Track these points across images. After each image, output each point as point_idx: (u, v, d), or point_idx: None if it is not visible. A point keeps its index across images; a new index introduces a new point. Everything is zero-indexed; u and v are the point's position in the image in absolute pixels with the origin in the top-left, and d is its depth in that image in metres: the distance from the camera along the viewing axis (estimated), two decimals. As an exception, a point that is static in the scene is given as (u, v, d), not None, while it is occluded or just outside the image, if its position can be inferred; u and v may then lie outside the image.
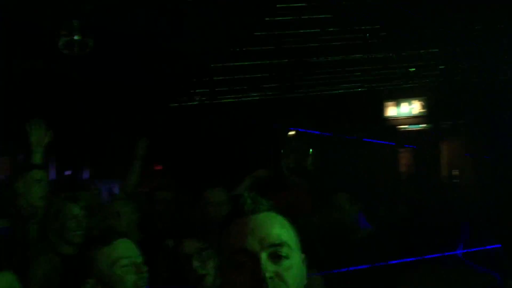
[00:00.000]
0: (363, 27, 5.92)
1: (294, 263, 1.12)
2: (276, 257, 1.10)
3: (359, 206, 3.09)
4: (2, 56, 6.05)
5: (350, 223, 3.07)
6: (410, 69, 7.33)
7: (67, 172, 8.21)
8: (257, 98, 8.37)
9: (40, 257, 2.66)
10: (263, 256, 1.08)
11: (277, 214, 1.18)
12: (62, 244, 2.73)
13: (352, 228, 3.08)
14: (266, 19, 5.55)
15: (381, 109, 9.47)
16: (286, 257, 1.11)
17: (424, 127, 9.45)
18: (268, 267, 1.07)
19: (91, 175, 9.11)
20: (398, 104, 9.46)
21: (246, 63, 6.78)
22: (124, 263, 1.75)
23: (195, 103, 8.44)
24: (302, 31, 5.85)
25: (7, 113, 7.26)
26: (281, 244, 1.11)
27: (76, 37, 4.61)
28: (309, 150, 6.52)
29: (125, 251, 1.80)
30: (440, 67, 7.67)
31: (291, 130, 8.96)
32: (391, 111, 9.53)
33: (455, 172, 9.14)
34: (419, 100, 9.33)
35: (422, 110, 9.33)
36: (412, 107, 9.37)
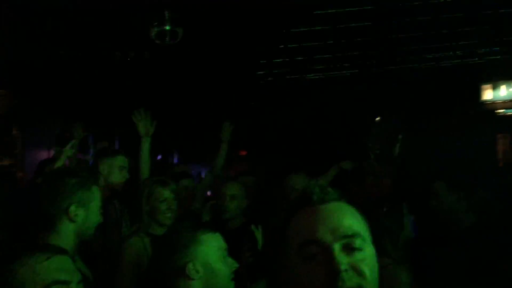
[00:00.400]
0: None
1: (368, 255, 1.05)
2: (349, 249, 1.03)
3: (460, 195, 2.89)
4: (100, 47, 6.46)
5: (450, 213, 2.90)
6: None
7: (158, 157, 8.61)
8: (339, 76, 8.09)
9: (132, 237, 2.81)
10: (336, 247, 1.02)
11: (347, 204, 1.12)
12: (153, 225, 2.87)
13: (453, 219, 2.91)
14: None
15: (477, 93, 8.88)
16: (360, 249, 1.04)
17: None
18: (342, 259, 1.01)
19: (179, 159, 9.51)
20: (496, 87, 8.81)
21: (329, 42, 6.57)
22: (225, 254, 1.77)
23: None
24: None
25: (108, 102, 7.76)
26: (354, 235, 1.05)
27: (167, 27, 4.80)
28: (397, 135, 6.26)
29: (224, 243, 1.80)
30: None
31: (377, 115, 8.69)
32: (488, 94, 8.91)
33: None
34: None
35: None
36: (512, 90, 8.69)
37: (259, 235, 2.90)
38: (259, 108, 8.61)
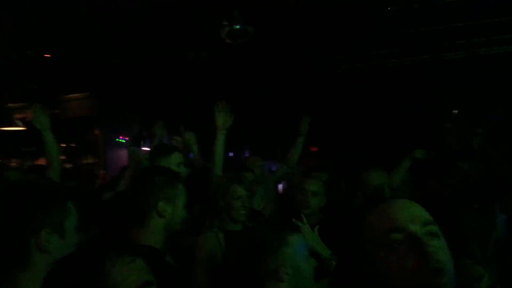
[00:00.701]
0: None
1: (444, 243, 1.11)
2: (429, 235, 1.10)
3: None
4: (174, 48, 6.69)
5: None
6: None
7: (230, 154, 8.74)
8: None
9: (207, 232, 2.89)
10: (421, 232, 1.09)
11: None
12: (227, 222, 2.94)
13: None
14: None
15: None
16: (438, 236, 1.11)
17: None
18: (429, 242, 1.07)
19: (251, 155, 9.59)
20: None
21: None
22: (308, 254, 1.78)
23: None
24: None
25: (182, 100, 8.02)
26: (432, 223, 1.12)
27: (237, 26, 4.87)
28: (476, 128, 5.93)
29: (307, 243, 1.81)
30: None
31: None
32: None
33: None
34: None
35: None
36: None
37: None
38: (330, 102, 8.51)
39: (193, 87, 8.01)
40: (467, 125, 6.37)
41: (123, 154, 8.16)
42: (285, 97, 8.26)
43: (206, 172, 3.55)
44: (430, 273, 1.04)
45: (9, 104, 9.52)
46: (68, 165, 7.79)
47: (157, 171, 2.20)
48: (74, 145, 9.21)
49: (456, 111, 7.92)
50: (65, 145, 9.04)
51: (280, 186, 5.52)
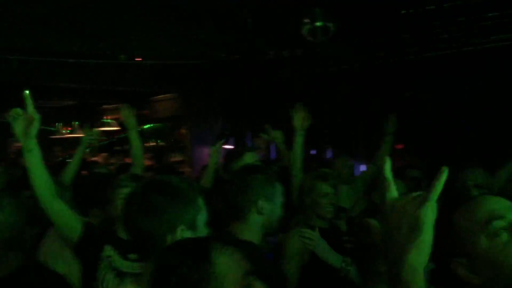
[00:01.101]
0: None
1: None
2: None
3: None
4: (256, 48, 6.79)
5: None
6: None
7: (313, 151, 8.72)
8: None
9: (294, 229, 2.92)
10: None
11: None
12: (314, 218, 2.95)
13: None
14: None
15: None
16: None
17: None
18: None
19: (334, 154, 9.51)
20: None
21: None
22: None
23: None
24: None
25: (263, 99, 8.13)
26: None
27: (318, 24, 4.85)
28: None
29: None
30: None
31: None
32: None
33: None
34: None
35: None
36: None
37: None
38: (416, 99, 8.21)
39: (275, 86, 8.09)
40: None
41: (207, 152, 8.38)
42: (368, 95, 8.09)
43: None
44: None
45: (104, 106, 10.21)
46: (154, 163, 8.19)
47: (258, 169, 2.27)
48: (162, 143, 9.66)
49: None
50: (154, 143, 9.51)
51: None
